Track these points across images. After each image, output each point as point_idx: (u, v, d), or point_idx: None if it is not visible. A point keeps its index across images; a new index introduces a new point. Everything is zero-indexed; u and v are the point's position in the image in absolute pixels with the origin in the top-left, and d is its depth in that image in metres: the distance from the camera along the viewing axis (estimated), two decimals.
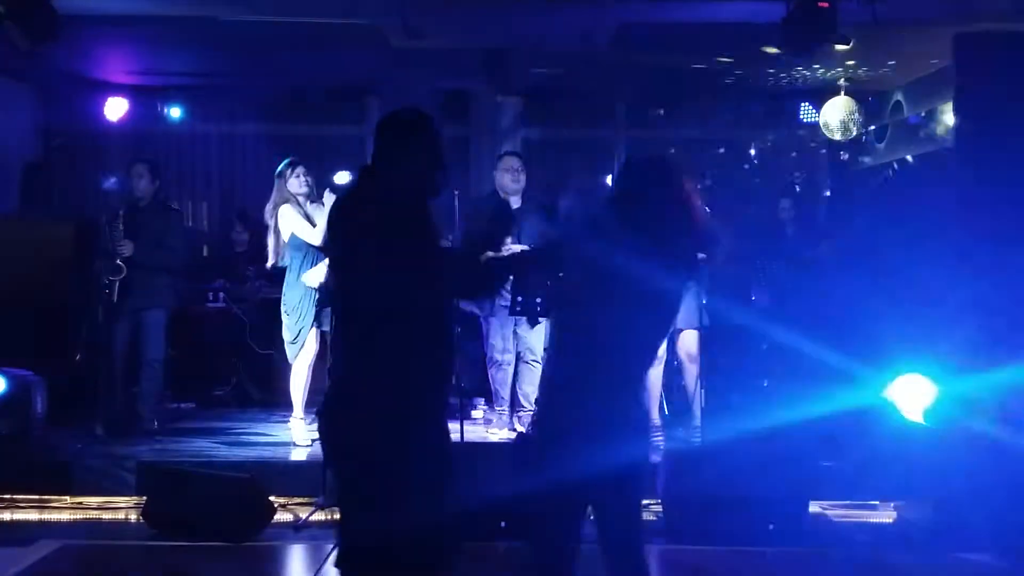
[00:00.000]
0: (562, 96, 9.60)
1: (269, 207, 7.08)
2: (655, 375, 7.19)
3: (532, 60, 7.92)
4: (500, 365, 7.34)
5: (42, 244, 8.05)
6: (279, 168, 7.11)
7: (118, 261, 7.18)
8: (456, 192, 7.75)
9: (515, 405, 7.46)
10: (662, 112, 9.65)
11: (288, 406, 7.35)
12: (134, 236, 7.23)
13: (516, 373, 7.46)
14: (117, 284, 7.18)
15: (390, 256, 3.32)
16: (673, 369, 7.65)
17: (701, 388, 7.14)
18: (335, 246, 3.58)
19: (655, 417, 7.23)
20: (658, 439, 7.09)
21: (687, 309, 6.95)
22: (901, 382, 6.79)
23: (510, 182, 7.21)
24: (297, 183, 7.00)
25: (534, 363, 7.25)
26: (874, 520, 6.48)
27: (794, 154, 9.82)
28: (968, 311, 7.04)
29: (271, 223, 7.06)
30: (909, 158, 8.40)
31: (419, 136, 3.56)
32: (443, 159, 3.57)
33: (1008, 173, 6.83)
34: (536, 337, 7.17)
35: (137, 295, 7.29)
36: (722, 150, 9.91)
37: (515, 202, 7.12)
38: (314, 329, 6.93)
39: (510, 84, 8.98)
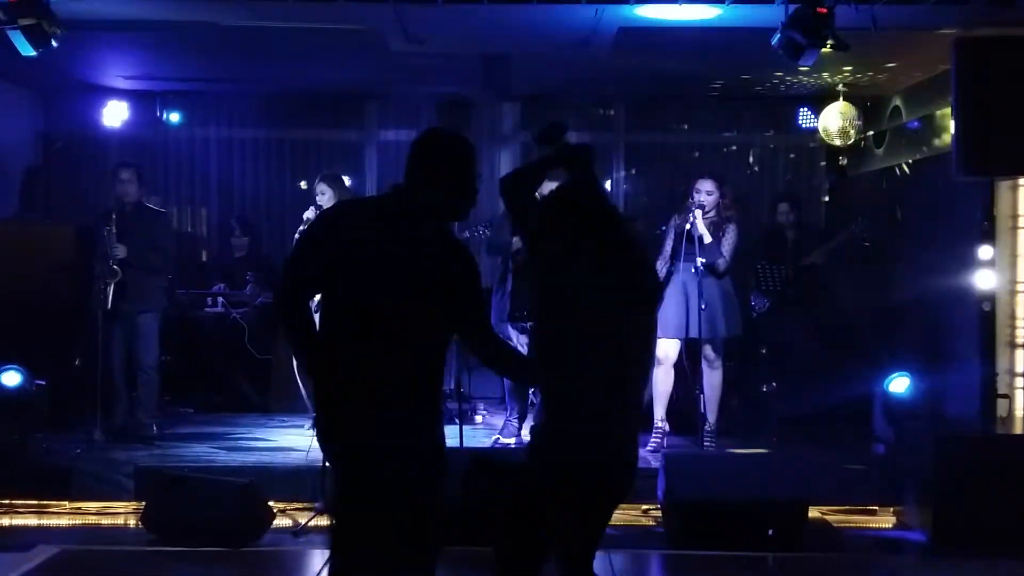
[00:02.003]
0: (561, 101, 9.61)
1: None
2: (664, 378, 7.17)
3: (532, 65, 7.92)
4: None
5: (42, 248, 8.06)
6: None
7: (113, 265, 7.19)
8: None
9: (526, 414, 7.40)
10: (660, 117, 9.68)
11: (287, 411, 7.34)
12: (123, 239, 7.24)
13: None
14: (112, 288, 7.19)
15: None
16: (679, 377, 7.63)
17: (703, 394, 7.12)
18: (350, 252, 3.48)
19: (660, 420, 7.22)
20: (657, 441, 7.12)
21: (705, 319, 6.90)
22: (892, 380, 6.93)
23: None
24: (319, 199, 7.05)
25: None
26: (874, 525, 6.48)
27: (792, 155, 9.85)
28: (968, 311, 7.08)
29: None
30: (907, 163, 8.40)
31: (446, 158, 3.53)
32: (471, 185, 3.57)
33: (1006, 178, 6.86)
34: None
35: (130, 299, 7.30)
36: (722, 152, 9.92)
37: None
38: None
39: (509, 89, 8.99)
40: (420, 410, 3.45)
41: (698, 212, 6.92)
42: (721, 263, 7.02)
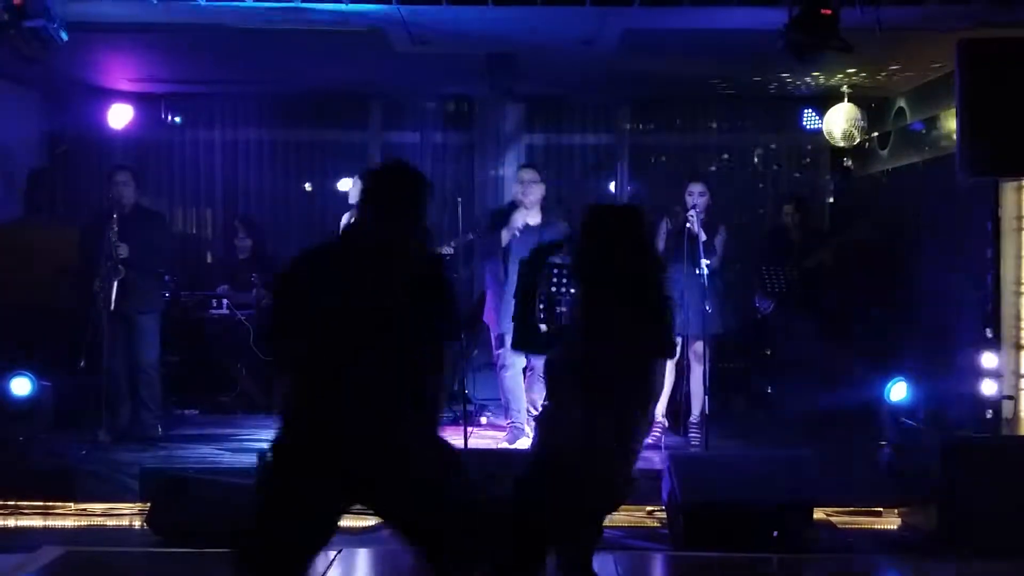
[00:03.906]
0: (565, 102, 9.61)
1: None
2: (665, 376, 7.26)
3: (536, 66, 7.93)
4: (507, 369, 7.34)
5: (47, 250, 8.07)
6: None
7: (118, 264, 7.22)
8: (459, 199, 7.80)
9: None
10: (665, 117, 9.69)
11: None
12: (122, 241, 7.27)
13: (525, 382, 7.46)
14: (115, 288, 7.22)
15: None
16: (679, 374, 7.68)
17: (706, 393, 7.18)
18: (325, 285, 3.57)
19: (660, 416, 7.30)
20: (657, 433, 7.21)
21: (694, 318, 7.02)
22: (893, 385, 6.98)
23: (520, 195, 7.29)
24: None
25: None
26: (878, 527, 6.48)
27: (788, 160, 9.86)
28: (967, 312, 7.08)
29: None
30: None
31: (399, 191, 3.63)
32: (421, 217, 3.64)
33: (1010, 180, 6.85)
34: None
35: (130, 300, 7.32)
36: (725, 156, 9.92)
37: (533, 217, 7.20)
38: None
39: (513, 90, 8.99)
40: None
41: (693, 212, 7.09)
42: (714, 261, 7.20)
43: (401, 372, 3.49)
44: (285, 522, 3.47)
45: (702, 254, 6.99)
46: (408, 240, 3.61)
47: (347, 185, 7.52)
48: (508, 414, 7.39)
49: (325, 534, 3.56)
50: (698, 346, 7.29)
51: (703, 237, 7.04)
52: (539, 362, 7.19)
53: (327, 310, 3.49)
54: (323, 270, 3.58)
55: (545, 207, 7.34)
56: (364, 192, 3.70)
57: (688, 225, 7.05)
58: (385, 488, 3.51)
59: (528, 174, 7.37)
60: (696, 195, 7.21)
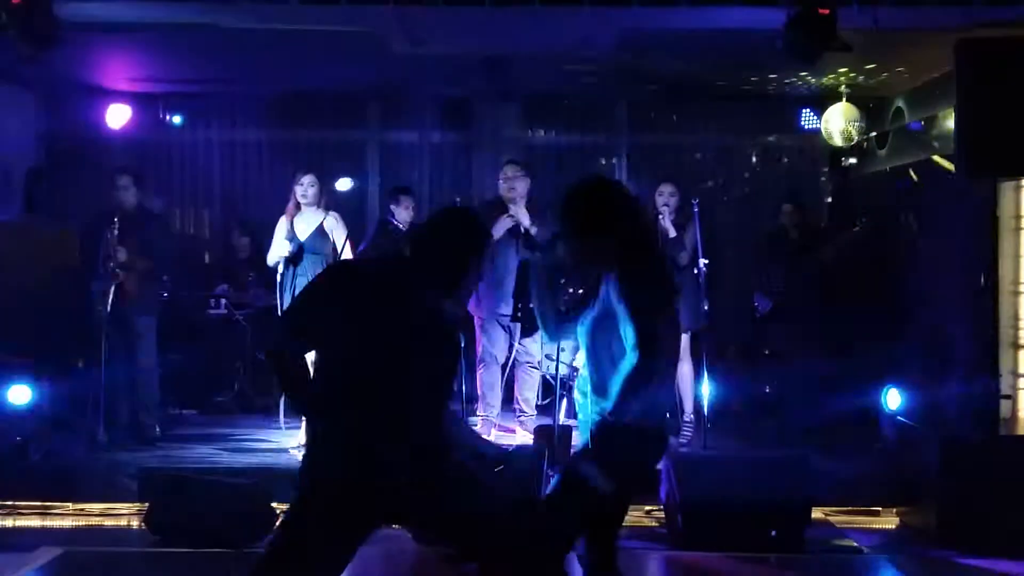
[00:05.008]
0: (564, 101, 9.61)
1: None
2: None
3: (533, 66, 7.94)
4: (489, 365, 7.41)
5: (46, 250, 8.06)
6: None
7: (115, 268, 7.22)
8: (457, 199, 7.81)
9: (515, 410, 7.55)
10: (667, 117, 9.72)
11: (289, 412, 7.35)
12: (123, 243, 7.28)
13: (515, 379, 7.52)
14: (112, 290, 7.22)
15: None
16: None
17: (700, 393, 7.21)
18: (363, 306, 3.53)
19: None
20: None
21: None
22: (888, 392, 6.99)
23: (507, 191, 7.37)
24: (297, 190, 7.11)
25: (532, 369, 7.51)
26: (877, 526, 6.48)
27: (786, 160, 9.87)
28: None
29: None
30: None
31: (455, 235, 3.62)
32: (473, 264, 3.63)
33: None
34: (533, 343, 7.36)
35: (129, 301, 7.33)
36: (723, 156, 9.93)
37: (522, 214, 7.23)
38: None
39: (511, 90, 9.00)
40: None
41: (664, 210, 7.27)
42: (684, 256, 7.27)
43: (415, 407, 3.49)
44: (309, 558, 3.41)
45: (692, 252, 7.11)
46: (447, 295, 3.61)
47: (344, 185, 7.51)
48: (482, 407, 7.49)
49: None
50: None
51: (673, 233, 7.22)
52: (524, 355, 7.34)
53: (356, 329, 3.46)
54: (360, 289, 3.54)
55: (540, 206, 7.41)
56: (429, 227, 3.70)
57: (660, 219, 7.18)
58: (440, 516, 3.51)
59: (511, 169, 7.47)
60: (666, 195, 7.39)
